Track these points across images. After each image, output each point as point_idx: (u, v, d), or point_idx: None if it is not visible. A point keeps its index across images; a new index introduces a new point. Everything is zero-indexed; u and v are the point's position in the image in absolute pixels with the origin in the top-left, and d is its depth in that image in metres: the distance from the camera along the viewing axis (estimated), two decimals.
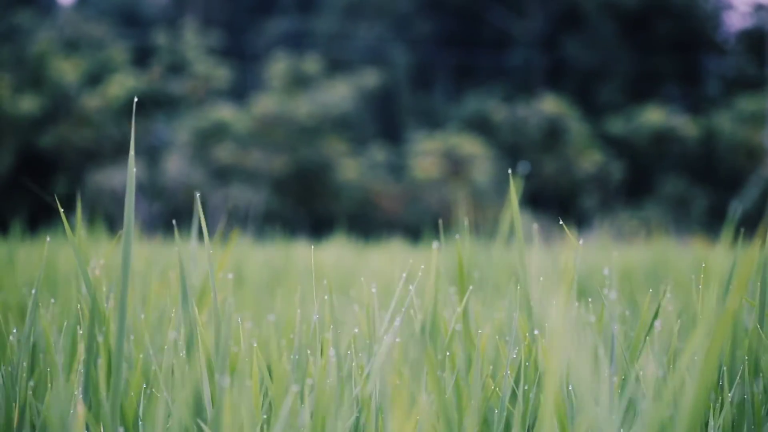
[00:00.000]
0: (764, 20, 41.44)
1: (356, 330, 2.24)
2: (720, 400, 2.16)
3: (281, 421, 1.69)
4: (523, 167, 29.67)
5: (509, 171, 2.51)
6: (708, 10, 42.43)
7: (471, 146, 30.90)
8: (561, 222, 2.37)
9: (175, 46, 32.27)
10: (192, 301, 1.94)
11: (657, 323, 2.17)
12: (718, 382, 2.21)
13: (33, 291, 2.10)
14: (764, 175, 31.56)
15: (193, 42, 32.31)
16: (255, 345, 2.02)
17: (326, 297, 2.10)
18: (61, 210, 2.04)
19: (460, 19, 39.22)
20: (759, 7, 42.52)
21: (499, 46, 39.11)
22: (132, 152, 1.87)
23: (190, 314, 1.93)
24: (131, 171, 1.87)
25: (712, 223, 31.40)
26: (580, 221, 27.42)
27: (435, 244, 2.13)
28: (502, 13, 39.34)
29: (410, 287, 2.13)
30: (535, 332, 2.09)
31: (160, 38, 32.71)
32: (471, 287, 2.42)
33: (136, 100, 2.05)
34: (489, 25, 39.32)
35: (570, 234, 2.23)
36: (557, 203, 32.63)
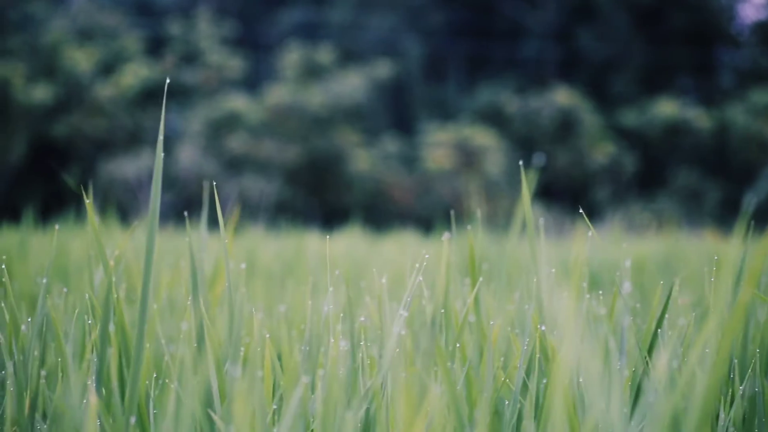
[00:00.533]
0: None
1: (363, 319, 2.24)
2: (731, 394, 2.16)
3: (291, 411, 1.69)
4: (538, 159, 29.64)
5: (521, 163, 2.51)
6: (722, 2, 42.32)
7: (483, 138, 30.87)
8: (581, 211, 2.37)
9: (189, 36, 32.30)
10: (203, 291, 1.94)
11: (669, 316, 2.17)
12: (729, 375, 2.21)
13: (44, 280, 2.10)
14: None
15: (207, 32, 32.33)
16: (267, 336, 2.02)
17: (336, 288, 2.10)
18: (88, 200, 2.04)
19: (473, 10, 39.16)
20: None
21: (512, 37, 39.05)
22: (161, 137, 1.87)
23: (200, 304, 1.93)
24: (159, 156, 1.86)
25: (724, 216, 31.34)
26: (593, 213, 27.39)
27: (445, 235, 2.13)
28: (515, 4, 39.29)
29: (419, 278, 2.13)
30: (544, 325, 2.09)
31: (174, 28, 32.74)
32: (482, 279, 2.42)
33: (167, 82, 2.04)
34: (502, 16, 39.27)
35: (585, 225, 2.23)
36: (569, 195, 32.60)
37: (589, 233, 2.29)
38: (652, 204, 32.37)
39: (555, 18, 39.18)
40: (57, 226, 2.22)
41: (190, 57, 32.02)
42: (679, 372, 1.52)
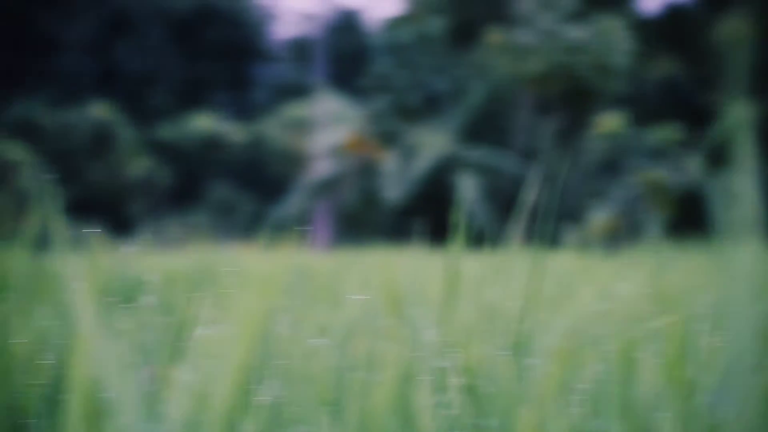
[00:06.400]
0: (309, 29, 42.86)
1: None
2: (249, 404, 2.21)
3: None
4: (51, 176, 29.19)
5: (51, 178, 2.46)
6: (256, 18, 43.37)
7: (17, 152, 30.01)
8: (101, 230, 2.35)
9: None
10: None
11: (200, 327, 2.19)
12: (251, 385, 2.26)
13: None
14: (308, 181, 32.62)
15: None
16: None
17: None
18: None
19: (5, 21, 37.97)
20: (303, 17, 43.88)
21: (48, 50, 38.19)
22: None
23: None
24: None
25: (259, 227, 32.10)
26: (128, 227, 27.26)
27: None
28: (51, 16, 38.43)
29: None
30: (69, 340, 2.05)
31: None
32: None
33: None
34: (35, 28, 38.31)
35: (117, 239, 2.21)
36: (106, 209, 32.28)
37: (122, 248, 2.28)
38: (188, 217, 32.65)
39: (92, 31, 38.68)
40: None
41: None
42: (202, 380, 1.55)
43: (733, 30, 33.27)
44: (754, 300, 1.44)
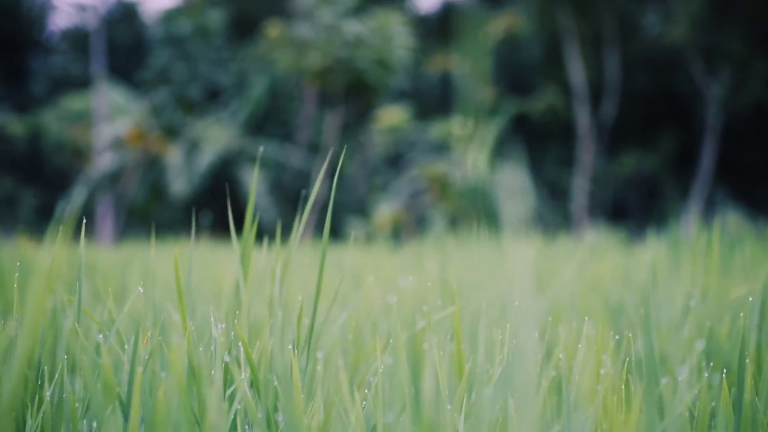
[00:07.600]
0: (87, 20, 42.00)
1: None
2: (38, 399, 2.16)
3: None
4: None
5: None
6: (33, 9, 42.32)
7: None
8: None
9: None
10: None
11: None
12: (37, 381, 2.22)
13: None
14: (92, 174, 31.98)
15: None
16: None
17: None
18: None
19: None
20: (81, 8, 43.02)
21: None
22: None
23: None
24: None
25: (40, 222, 31.43)
26: None
27: None
28: None
29: None
30: None
31: None
32: None
33: None
34: None
35: None
36: None
37: None
38: None
39: None
40: None
41: None
42: None
43: (507, 27, 34.09)
44: (534, 293, 1.48)
